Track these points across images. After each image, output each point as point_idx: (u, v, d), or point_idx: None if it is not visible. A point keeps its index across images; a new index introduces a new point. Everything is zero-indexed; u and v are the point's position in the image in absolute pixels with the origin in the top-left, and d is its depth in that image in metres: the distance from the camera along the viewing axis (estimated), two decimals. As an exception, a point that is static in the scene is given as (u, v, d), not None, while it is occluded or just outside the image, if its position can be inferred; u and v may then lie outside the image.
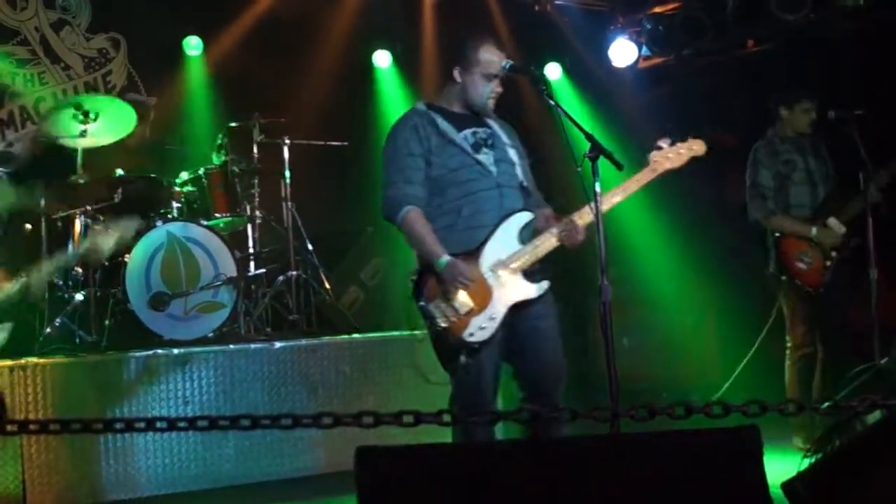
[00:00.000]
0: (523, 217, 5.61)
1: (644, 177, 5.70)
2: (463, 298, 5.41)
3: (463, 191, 5.57)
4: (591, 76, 11.10)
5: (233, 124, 9.03)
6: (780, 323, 7.99)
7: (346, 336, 8.34)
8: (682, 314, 10.45)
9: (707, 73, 10.63)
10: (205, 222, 8.33)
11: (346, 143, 9.33)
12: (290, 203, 9.02)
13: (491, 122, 5.82)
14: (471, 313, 5.41)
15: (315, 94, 10.13)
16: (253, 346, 7.89)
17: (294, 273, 8.87)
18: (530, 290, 5.54)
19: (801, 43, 9.82)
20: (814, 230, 7.71)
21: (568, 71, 11.21)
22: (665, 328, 10.33)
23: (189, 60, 10.08)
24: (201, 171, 8.61)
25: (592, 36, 10.86)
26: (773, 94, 8.10)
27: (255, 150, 9.04)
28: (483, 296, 5.43)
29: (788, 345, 7.86)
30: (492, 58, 5.67)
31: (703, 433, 3.77)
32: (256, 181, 9.00)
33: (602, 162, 5.56)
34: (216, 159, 8.78)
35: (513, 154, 5.77)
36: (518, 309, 5.51)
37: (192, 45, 10.03)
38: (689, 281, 10.45)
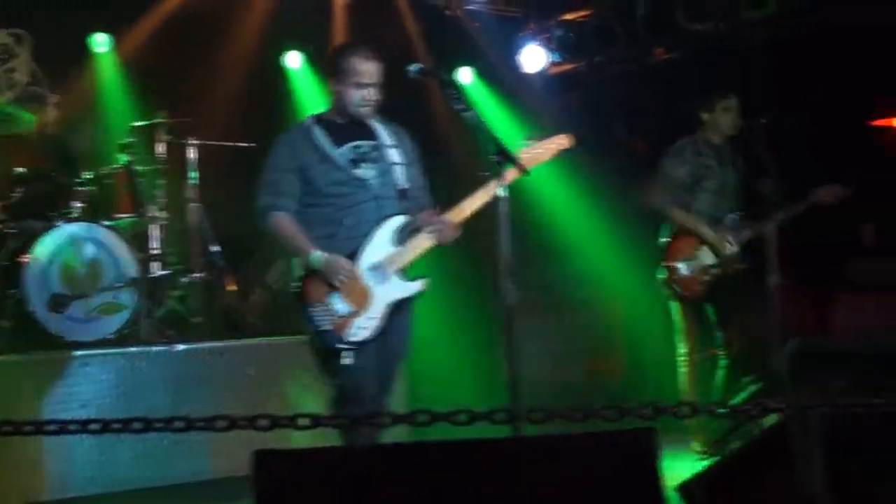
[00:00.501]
0: (398, 220, 5.83)
1: (511, 174, 5.67)
2: (344, 300, 5.63)
3: (342, 203, 5.77)
4: (502, 81, 11.12)
5: (138, 123, 8.92)
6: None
7: (250, 339, 8.27)
8: (589, 318, 10.50)
9: (617, 81, 10.70)
10: (107, 223, 8.17)
11: (253, 145, 9.25)
12: (194, 204, 8.93)
13: (377, 128, 5.98)
14: (352, 314, 5.63)
15: (225, 94, 10.03)
16: (154, 348, 7.80)
17: (198, 275, 8.78)
18: (407, 290, 5.82)
19: (710, 52, 9.91)
20: (708, 231, 7.79)
21: (480, 75, 11.22)
22: (576, 332, 10.37)
23: (97, 57, 9.92)
24: (104, 171, 8.46)
25: (504, 41, 10.87)
26: (691, 100, 8.13)
27: (161, 149, 8.94)
28: (362, 297, 5.66)
29: (679, 350, 7.92)
30: (364, 67, 5.80)
31: (599, 436, 3.78)
32: (160, 181, 8.90)
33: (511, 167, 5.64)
34: (120, 159, 8.63)
35: (396, 157, 5.93)
36: (395, 308, 5.78)
37: (100, 42, 9.86)
38: (596, 285, 10.50)
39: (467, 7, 10.73)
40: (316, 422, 3.44)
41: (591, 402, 2.70)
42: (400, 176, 5.93)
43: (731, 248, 7.81)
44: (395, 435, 7.02)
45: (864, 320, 9.24)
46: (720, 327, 7.81)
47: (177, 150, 8.99)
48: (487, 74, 11.17)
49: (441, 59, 10.09)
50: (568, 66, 10.82)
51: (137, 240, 8.53)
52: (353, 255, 5.72)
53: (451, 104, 5.77)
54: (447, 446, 3.77)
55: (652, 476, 3.76)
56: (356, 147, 5.87)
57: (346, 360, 5.59)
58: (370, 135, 5.94)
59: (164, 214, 8.88)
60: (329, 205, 5.79)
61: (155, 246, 8.84)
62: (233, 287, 8.94)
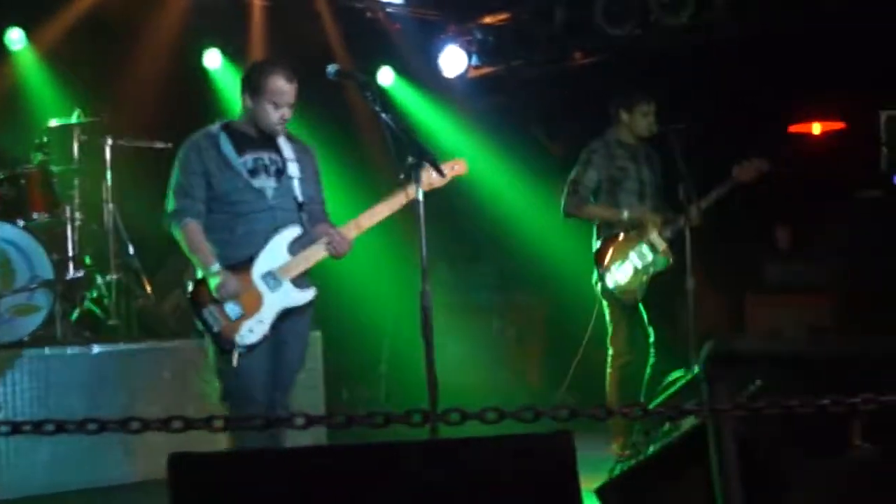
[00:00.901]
0: (293, 231, 5.97)
1: (410, 193, 5.87)
2: (234, 304, 5.81)
3: (238, 210, 5.92)
4: (422, 83, 11.12)
5: (54, 123, 8.81)
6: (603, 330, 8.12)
7: (167, 341, 8.20)
8: (510, 321, 10.54)
9: (537, 84, 10.75)
10: (21, 223, 8.07)
11: (170, 145, 9.16)
12: (111, 205, 8.84)
13: (282, 143, 6.09)
14: (242, 318, 5.80)
15: (143, 92, 9.91)
16: (70, 350, 7.70)
17: (114, 276, 8.68)
18: (298, 298, 5.99)
19: (627, 56, 9.99)
20: (625, 213, 7.84)
21: (400, 77, 11.21)
22: (492, 335, 10.41)
23: (12, 55, 9.77)
24: (19, 171, 8.34)
25: (424, 44, 10.87)
26: (613, 96, 8.15)
27: (76, 149, 8.83)
28: (254, 302, 5.83)
29: (610, 353, 7.97)
30: (281, 87, 5.91)
31: (516, 438, 3.79)
32: (76, 182, 8.79)
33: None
34: (35, 158, 8.51)
35: (296, 172, 6.07)
36: (287, 314, 5.95)
37: (15, 39, 9.70)
38: (516, 289, 10.55)
39: (387, 9, 10.70)
40: (227, 423, 3.41)
41: (513, 405, 2.71)
42: (298, 189, 6.06)
43: (660, 246, 7.84)
44: (311, 437, 7.06)
45: (778, 322, 9.37)
46: (649, 328, 7.86)
47: (93, 150, 8.87)
48: (407, 77, 11.17)
49: (361, 60, 10.07)
50: (488, 70, 10.85)
51: (53, 240, 8.39)
52: (248, 262, 5.88)
53: (370, 106, 5.85)
54: (363, 449, 3.76)
55: (569, 479, 3.77)
56: (257, 158, 6.00)
57: (235, 361, 5.78)
58: (274, 148, 6.07)
59: (79, 215, 8.75)
60: (226, 211, 5.94)
61: (70, 247, 8.69)
62: (149, 289, 8.85)
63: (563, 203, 7.97)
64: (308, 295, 6.03)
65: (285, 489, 3.65)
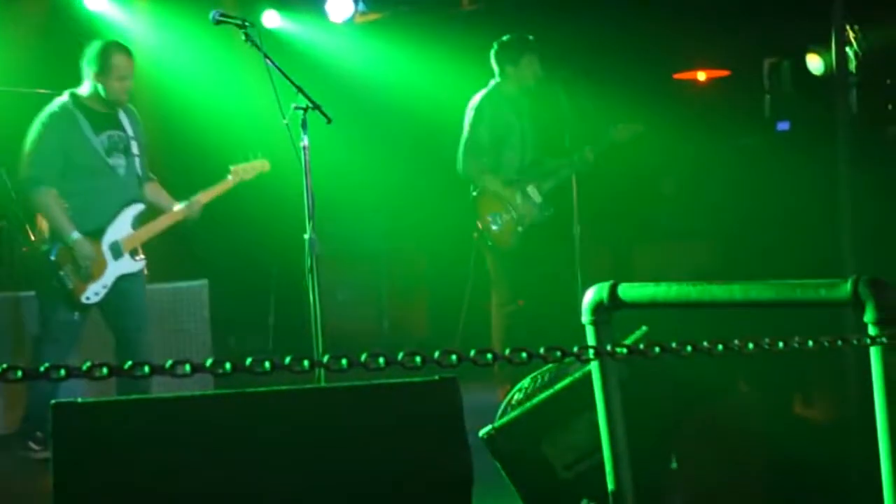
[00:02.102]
0: (138, 207, 6.86)
1: (222, 187, 7.03)
2: (87, 269, 6.62)
3: (92, 184, 6.70)
4: (309, 29, 10.98)
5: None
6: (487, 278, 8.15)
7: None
8: (396, 270, 10.53)
9: (422, 31, 10.67)
10: None
11: (51, 92, 8.96)
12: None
13: (123, 117, 6.88)
14: (89, 280, 6.65)
15: (25, 38, 9.66)
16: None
17: (-2, 223, 8.50)
18: (134, 266, 6.84)
19: (513, 1, 9.95)
20: (518, 197, 7.87)
21: (286, 22, 11.05)
22: (379, 283, 10.39)
23: None
24: None
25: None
26: (498, 48, 8.09)
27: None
28: (101, 268, 6.69)
29: (493, 301, 8.00)
30: (125, 63, 6.74)
31: (404, 385, 3.79)
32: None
33: (313, 115, 5.69)
34: None
35: (135, 148, 6.89)
36: (121, 279, 6.78)
37: None
38: (403, 237, 10.53)
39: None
40: (112, 371, 3.34)
41: (399, 352, 2.69)
42: (138, 165, 6.91)
43: (535, 197, 7.90)
44: (198, 385, 7.05)
45: (666, 268, 9.47)
46: (530, 276, 7.90)
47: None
48: (293, 21, 11.02)
49: (248, 3, 9.93)
50: (374, 16, 10.75)
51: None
52: (98, 232, 6.68)
53: (256, 50, 5.86)
54: (248, 397, 3.73)
55: (455, 425, 3.78)
56: (111, 136, 6.79)
57: (76, 316, 6.72)
58: (119, 125, 6.85)
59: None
60: (82, 184, 6.68)
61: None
62: (33, 237, 8.67)
63: (461, 164, 7.94)
64: (140, 265, 6.87)
65: (170, 437, 3.62)
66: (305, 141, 5.74)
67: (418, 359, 3.00)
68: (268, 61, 5.86)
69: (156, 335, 7.92)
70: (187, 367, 3.00)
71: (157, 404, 3.96)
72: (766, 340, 2.60)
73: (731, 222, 9.01)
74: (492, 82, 8.04)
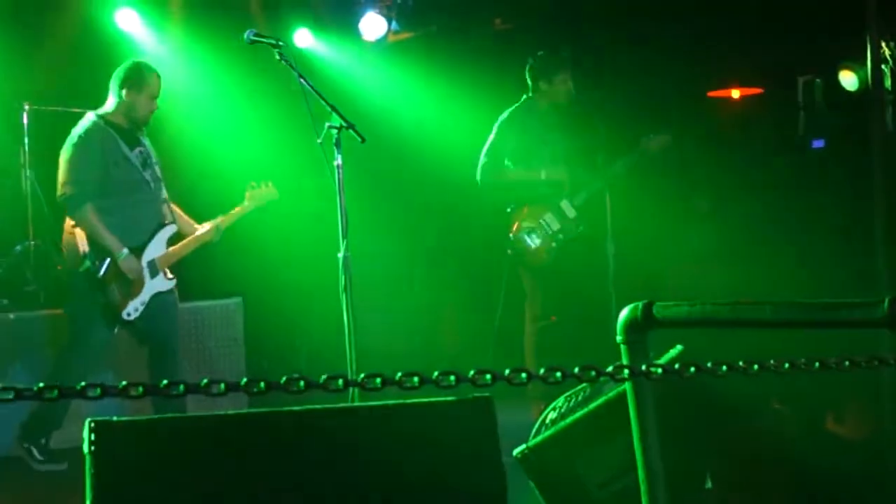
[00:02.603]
0: (172, 228, 7.00)
1: (239, 212, 7.16)
2: (131, 285, 6.74)
3: (133, 200, 6.81)
4: (342, 48, 11.02)
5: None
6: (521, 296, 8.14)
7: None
8: (429, 289, 10.53)
9: (455, 50, 10.69)
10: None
11: (83, 110, 9.03)
12: (28, 171, 8.70)
13: (143, 139, 6.98)
14: (130, 296, 6.76)
15: (59, 58, 9.74)
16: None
17: (32, 243, 8.56)
18: (167, 284, 6.95)
19: (546, 20, 9.95)
20: (543, 173, 7.87)
21: (319, 41, 11.09)
22: (412, 303, 10.39)
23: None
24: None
25: (344, 8, 10.77)
26: (533, 63, 8.11)
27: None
28: (140, 285, 6.80)
29: (527, 317, 8.00)
30: (157, 83, 6.86)
31: (438, 404, 3.78)
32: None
33: (346, 134, 5.71)
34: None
35: (159, 172, 7.01)
36: (155, 297, 6.87)
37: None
38: (435, 256, 10.53)
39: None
40: (147, 390, 3.36)
41: (432, 371, 2.70)
42: (163, 186, 7.02)
43: (570, 213, 7.89)
44: (232, 404, 7.06)
45: (698, 286, 9.42)
46: (564, 293, 7.90)
47: (11, 116, 8.71)
48: (326, 41, 11.06)
49: (281, 23, 9.98)
50: (407, 35, 10.78)
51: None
52: (139, 249, 6.80)
53: (290, 70, 5.89)
54: (283, 416, 3.73)
55: (490, 444, 3.77)
56: (141, 152, 6.91)
57: (115, 332, 6.89)
58: (142, 143, 6.94)
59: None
60: (122, 200, 6.77)
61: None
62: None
63: (479, 171, 7.96)
64: (172, 283, 6.97)
65: (206, 455, 3.62)
66: (339, 160, 5.76)
67: (452, 378, 3.00)
68: (302, 80, 5.89)
69: (189, 353, 7.99)
70: (222, 386, 3.02)
71: (194, 423, 3.96)
72: (803, 360, 2.59)
73: (766, 240, 8.97)
74: (524, 97, 8.06)
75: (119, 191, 6.75)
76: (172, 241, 7.00)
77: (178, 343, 7.17)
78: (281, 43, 6.11)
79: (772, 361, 2.58)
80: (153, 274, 6.82)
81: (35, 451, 6.88)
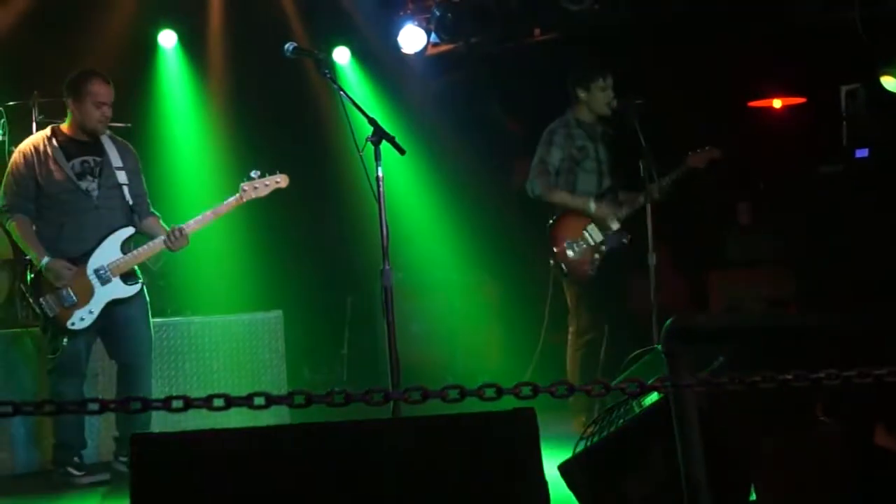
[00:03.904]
0: (126, 231, 6.90)
1: (232, 203, 6.86)
2: (68, 294, 6.70)
3: (65, 210, 6.83)
4: (380, 62, 11.04)
5: (10, 103, 8.69)
6: (562, 308, 8.11)
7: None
8: (469, 300, 10.51)
9: (495, 61, 10.69)
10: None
11: (128, 125, 9.06)
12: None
13: (106, 146, 6.98)
14: (74, 306, 6.71)
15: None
16: (28, 330, 7.59)
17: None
18: (127, 291, 6.87)
19: (586, 32, 9.93)
20: (592, 205, 7.85)
21: (357, 56, 11.12)
22: (451, 314, 10.37)
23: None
24: (-24, 152, 8.27)
25: (382, 21, 10.78)
26: (571, 75, 8.12)
27: (35, 129, 8.70)
28: (86, 293, 6.73)
29: (571, 329, 7.97)
30: (100, 89, 6.85)
31: (480, 416, 3.77)
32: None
33: (387, 146, 5.73)
34: (-8, 138, 8.43)
35: (121, 177, 6.95)
36: (115, 304, 6.84)
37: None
38: (475, 267, 10.51)
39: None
40: (188, 403, 3.36)
41: (474, 383, 2.69)
42: (127, 193, 6.95)
43: (615, 225, 7.87)
44: (274, 417, 7.07)
45: (740, 297, 9.37)
46: (607, 305, 7.88)
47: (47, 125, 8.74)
48: (364, 55, 11.08)
49: (318, 38, 10.02)
50: (446, 48, 10.77)
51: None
52: (83, 257, 6.78)
53: (327, 84, 5.92)
54: (324, 428, 3.73)
55: (532, 456, 3.75)
56: (84, 162, 6.89)
57: (64, 342, 6.75)
58: (99, 151, 6.94)
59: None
60: (55, 210, 6.82)
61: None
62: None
63: (531, 184, 7.97)
64: (134, 288, 6.90)
65: (247, 469, 3.62)
66: (380, 172, 5.76)
67: (492, 391, 2.99)
68: (342, 93, 5.90)
69: (230, 365, 8.02)
70: (263, 400, 3.03)
71: (235, 436, 3.96)
72: (849, 373, 2.57)
73: (808, 250, 8.91)
74: (567, 110, 8.06)
75: (53, 203, 6.80)
76: (136, 246, 6.92)
77: (149, 354, 7.11)
78: (321, 56, 6.14)
79: (821, 374, 2.55)
80: (103, 281, 6.77)
81: (72, 470, 6.92)
